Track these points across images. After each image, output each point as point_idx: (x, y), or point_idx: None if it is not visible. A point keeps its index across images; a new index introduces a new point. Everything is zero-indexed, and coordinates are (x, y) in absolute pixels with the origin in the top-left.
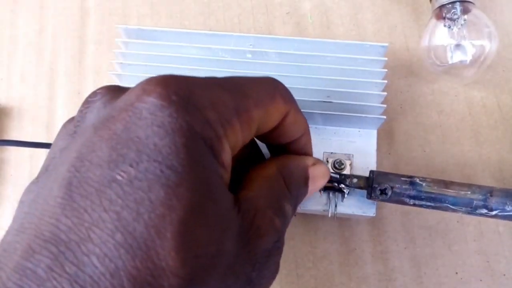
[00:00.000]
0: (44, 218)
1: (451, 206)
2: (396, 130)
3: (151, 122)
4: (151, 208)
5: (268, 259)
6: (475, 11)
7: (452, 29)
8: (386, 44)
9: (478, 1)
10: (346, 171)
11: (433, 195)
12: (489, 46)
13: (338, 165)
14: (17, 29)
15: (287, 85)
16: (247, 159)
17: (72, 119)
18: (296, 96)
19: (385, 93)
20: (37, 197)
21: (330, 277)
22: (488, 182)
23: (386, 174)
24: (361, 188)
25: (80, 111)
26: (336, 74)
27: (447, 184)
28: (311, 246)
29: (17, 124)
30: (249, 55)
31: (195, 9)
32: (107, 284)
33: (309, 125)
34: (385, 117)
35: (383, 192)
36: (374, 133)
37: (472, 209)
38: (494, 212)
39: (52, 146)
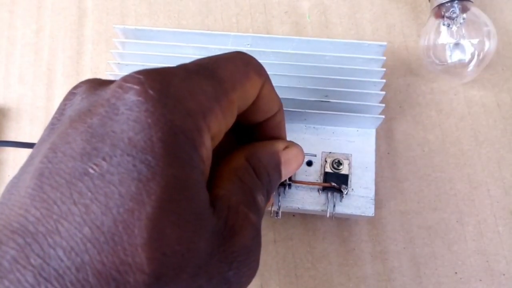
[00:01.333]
0: (14, 208)
1: None
2: (395, 130)
3: (127, 117)
4: (120, 203)
5: (247, 256)
6: (473, 9)
7: (451, 28)
8: (384, 43)
9: None
10: (345, 171)
11: None
12: (488, 44)
13: (336, 165)
14: (15, 30)
15: (285, 85)
16: (221, 151)
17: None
18: (294, 96)
19: (383, 93)
20: (11, 188)
21: (329, 278)
22: (487, 182)
23: None
24: None
25: (63, 104)
26: (335, 73)
27: None
28: (309, 247)
29: (15, 125)
30: None
31: (193, 9)
32: (72, 278)
33: (308, 125)
34: (383, 116)
35: None
36: (372, 132)
37: None
38: None
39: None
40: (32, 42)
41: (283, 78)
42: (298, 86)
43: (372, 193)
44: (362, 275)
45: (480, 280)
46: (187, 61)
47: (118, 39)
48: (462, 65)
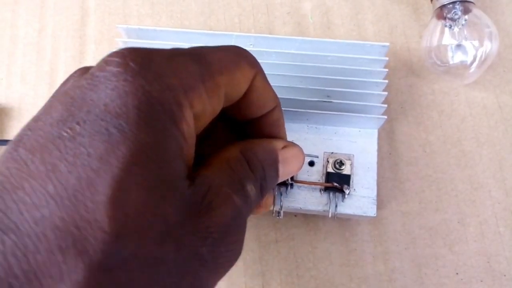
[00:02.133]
0: None
1: None
2: (397, 130)
3: (106, 86)
4: (87, 162)
5: (225, 235)
6: (475, 11)
7: (453, 29)
8: (387, 44)
9: (479, 1)
10: (347, 171)
11: None
12: (490, 46)
13: (338, 165)
14: (17, 29)
15: (287, 85)
16: (219, 147)
17: None
18: (297, 96)
19: (385, 93)
20: None
21: (330, 278)
22: (489, 183)
23: None
24: None
25: (58, 87)
26: (337, 73)
27: None
28: (311, 247)
29: (17, 124)
30: None
31: (196, 9)
32: (29, 230)
33: (310, 125)
34: (385, 117)
35: None
36: (374, 133)
37: None
38: None
39: None
40: (35, 41)
41: (285, 78)
42: (301, 86)
43: (374, 194)
44: (364, 275)
45: (481, 281)
46: None
47: (121, 39)
48: (464, 66)
